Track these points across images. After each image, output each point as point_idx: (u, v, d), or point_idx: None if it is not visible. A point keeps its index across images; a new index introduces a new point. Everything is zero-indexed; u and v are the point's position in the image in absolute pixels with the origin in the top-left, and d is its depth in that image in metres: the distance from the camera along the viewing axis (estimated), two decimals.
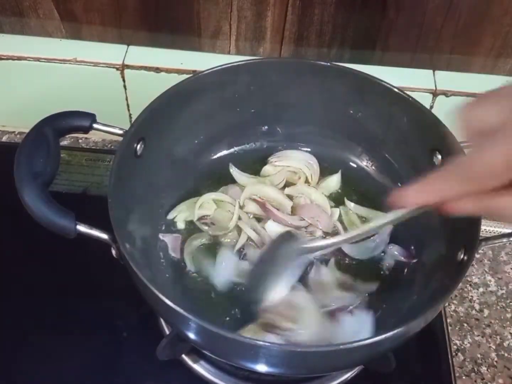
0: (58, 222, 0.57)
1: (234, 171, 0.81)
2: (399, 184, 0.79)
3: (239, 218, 0.76)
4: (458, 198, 0.41)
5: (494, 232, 0.84)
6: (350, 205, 0.79)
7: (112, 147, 0.96)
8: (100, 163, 0.91)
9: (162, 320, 0.74)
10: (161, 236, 0.75)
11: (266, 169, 0.82)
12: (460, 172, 0.40)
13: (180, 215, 0.77)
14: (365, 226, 0.60)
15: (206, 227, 0.76)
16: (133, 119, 0.69)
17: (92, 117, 0.65)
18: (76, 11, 0.82)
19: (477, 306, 0.81)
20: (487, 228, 0.85)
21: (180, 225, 0.77)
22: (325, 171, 0.82)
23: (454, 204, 0.42)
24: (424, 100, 0.81)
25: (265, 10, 0.80)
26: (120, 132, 0.66)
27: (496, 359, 0.76)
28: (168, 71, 0.85)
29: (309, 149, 0.83)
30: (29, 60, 0.85)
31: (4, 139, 0.97)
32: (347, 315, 0.66)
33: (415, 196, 0.43)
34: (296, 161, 0.82)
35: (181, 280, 0.72)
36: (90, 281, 0.79)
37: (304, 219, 0.76)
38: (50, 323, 0.75)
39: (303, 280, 0.70)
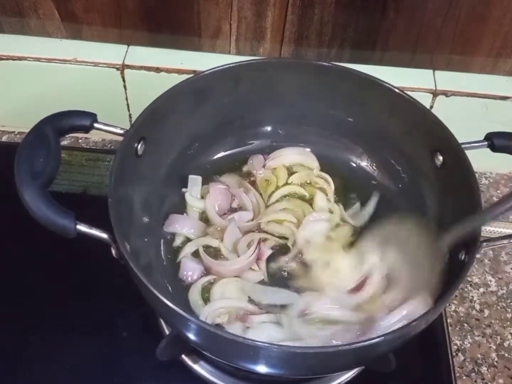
0: (58, 222, 0.57)
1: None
2: (399, 185, 0.79)
3: None
4: None
5: (495, 233, 0.84)
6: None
7: (112, 147, 0.96)
8: (100, 163, 0.91)
9: (162, 320, 0.74)
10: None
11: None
12: None
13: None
14: None
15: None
16: (133, 119, 0.69)
17: (92, 117, 0.65)
18: (76, 11, 0.82)
19: (477, 306, 0.81)
20: (487, 228, 0.85)
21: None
22: (325, 171, 0.82)
23: None
24: (424, 100, 0.81)
25: (265, 10, 0.79)
26: (121, 132, 0.66)
27: (496, 359, 0.76)
28: (168, 71, 0.85)
29: (309, 149, 0.83)
30: (29, 60, 0.85)
31: (4, 139, 0.97)
32: None
33: None
34: (290, 156, 0.82)
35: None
36: (90, 281, 0.79)
37: None
38: (50, 323, 0.75)
39: None
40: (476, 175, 0.65)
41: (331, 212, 0.78)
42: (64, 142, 0.96)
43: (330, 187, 0.80)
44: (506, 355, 0.77)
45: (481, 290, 0.83)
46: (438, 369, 0.74)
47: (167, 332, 0.73)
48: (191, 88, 0.72)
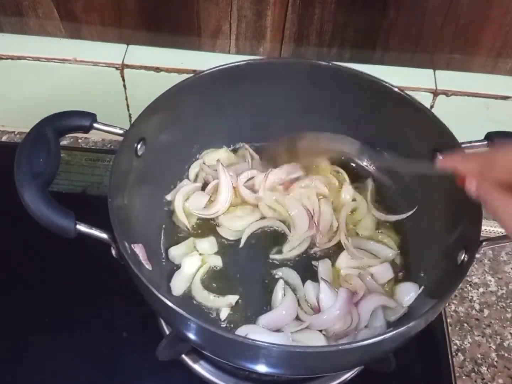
0: (58, 222, 0.57)
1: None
2: (399, 185, 0.79)
3: None
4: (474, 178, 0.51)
5: (495, 232, 0.84)
6: None
7: (112, 147, 0.96)
8: (100, 163, 0.91)
9: (162, 320, 0.74)
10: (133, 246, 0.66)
11: None
12: (482, 161, 0.51)
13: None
14: None
15: None
16: (133, 119, 0.69)
17: (92, 117, 0.65)
18: (76, 11, 0.82)
19: (477, 306, 0.81)
20: (487, 228, 0.85)
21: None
22: None
23: (468, 182, 0.51)
24: (425, 99, 0.81)
25: (265, 9, 0.79)
26: (121, 132, 0.66)
27: (496, 359, 0.76)
28: (168, 70, 0.85)
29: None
30: (29, 60, 0.85)
31: (4, 139, 0.97)
32: None
33: (451, 162, 0.55)
34: None
35: None
36: (90, 281, 0.79)
37: None
38: (50, 323, 0.75)
39: None
40: None
41: (354, 200, 0.79)
42: (64, 142, 0.96)
43: (346, 180, 0.81)
44: (506, 355, 0.77)
45: (481, 290, 0.83)
46: (438, 369, 0.74)
47: (167, 332, 0.73)
48: (191, 88, 0.72)
